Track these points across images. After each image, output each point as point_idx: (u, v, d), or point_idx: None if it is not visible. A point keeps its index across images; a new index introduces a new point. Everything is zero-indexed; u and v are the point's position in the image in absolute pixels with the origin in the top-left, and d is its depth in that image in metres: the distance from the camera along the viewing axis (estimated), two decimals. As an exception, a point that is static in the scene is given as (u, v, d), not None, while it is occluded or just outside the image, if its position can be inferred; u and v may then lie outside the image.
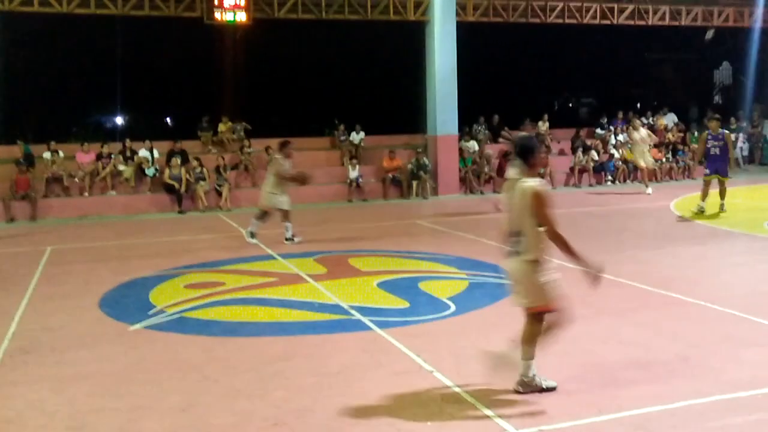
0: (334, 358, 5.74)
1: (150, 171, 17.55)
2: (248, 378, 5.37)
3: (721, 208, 13.47)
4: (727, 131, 14.05)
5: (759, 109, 23.70)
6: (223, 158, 17.77)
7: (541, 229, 4.73)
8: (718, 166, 13.50)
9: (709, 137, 13.64)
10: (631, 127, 18.70)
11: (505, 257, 4.95)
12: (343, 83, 24.13)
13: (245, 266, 9.74)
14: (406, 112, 21.47)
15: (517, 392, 4.83)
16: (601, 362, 5.51)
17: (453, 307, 7.21)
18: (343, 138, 20.26)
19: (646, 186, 17.57)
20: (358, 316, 6.96)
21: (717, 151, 13.44)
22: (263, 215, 11.79)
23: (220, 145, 19.78)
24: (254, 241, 11.53)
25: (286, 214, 11.57)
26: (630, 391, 4.87)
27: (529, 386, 4.84)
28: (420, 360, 5.59)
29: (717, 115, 14.63)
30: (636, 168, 19.54)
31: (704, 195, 13.38)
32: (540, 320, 4.86)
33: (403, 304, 7.40)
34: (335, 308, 7.31)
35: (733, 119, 22.49)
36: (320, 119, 21.68)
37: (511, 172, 5.06)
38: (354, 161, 18.73)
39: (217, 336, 6.52)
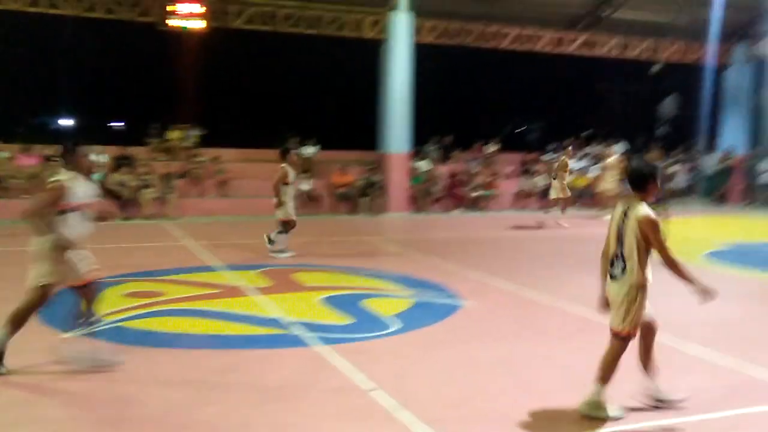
0: (273, 374, 5.67)
1: (96, 176, 17.16)
2: (184, 390, 5.26)
3: None
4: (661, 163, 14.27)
5: (700, 142, 24.45)
6: (171, 166, 17.51)
7: (652, 254, 4.83)
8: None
9: None
10: (604, 155, 19.05)
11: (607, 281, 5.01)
12: (297, 96, 24.09)
13: (187, 276, 9.58)
14: (359, 129, 21.54)
15: (587, 415, 4.83)
16: (539, 383, 5.57)
17: (396, 325, 7.21)
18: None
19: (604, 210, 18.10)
20: (299, 331, 6.90)
21: None
22: (287, 227, 11.57)
23: (169, 152, 19.50)
24: (290, 253, 11.41)
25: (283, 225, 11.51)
26: (566, 415, 4.92)
27: (599, 410, 4.84)
28: (360, 377, 5.56)
29: (658, 146, 15.03)
30: (581, 194, 19.99)
31: None
32: (626, 344, 4.93)
33: (347, 321, 7.37)
34: (277, 323, 7.23)
35: (676, 151, 23.15)
36: (273, 131, 21.56)
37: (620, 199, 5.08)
38: (306, 174, 18.66)
39: (154, 347, 6.38)
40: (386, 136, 19.09)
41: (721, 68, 23.26)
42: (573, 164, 21.69)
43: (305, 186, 18.33)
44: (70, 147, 6.00)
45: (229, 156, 19.54)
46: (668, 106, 27.79)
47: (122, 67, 24.91)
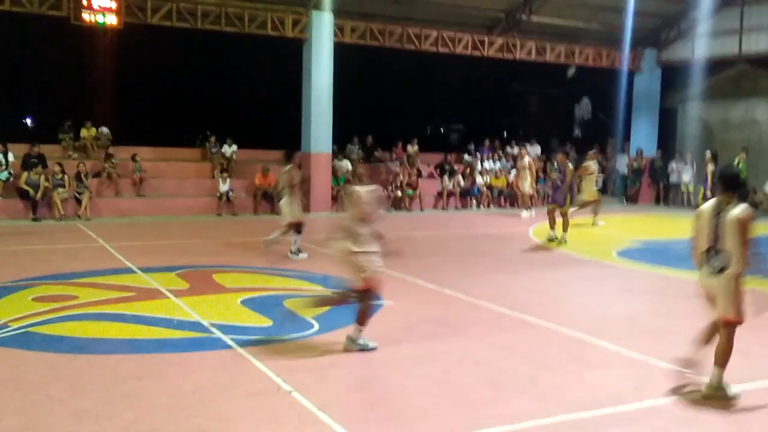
0: (190, 378, 5.58)
1: (2, 175, 16.46)
2: (96, 398, 5.11)
3: (560, 239, 13.74)
4: (570, 164, 14.43)
5: (613, 143, 25.38)
6: (85, 165, 16.94)
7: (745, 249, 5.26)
8: (557, 196, 14.07)
9: (556, 169, 14.41)
10: (519, 155, 19.51)
11: (703, 274, 5.48)
12: (217, 95, 23.70)
13: (101, 279, 9.30)
14: (280, 128, 21.37)
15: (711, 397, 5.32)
16: (456, 381, 5.67)
17: (316, 326, 7.20)
18: (214, 150, 19.87)
19: (528, 209, 18.54)
20: (218, 334, 6.81)
21: (559, 182, 14.12)
22: (298, 228, 11.56)
23: (83, 150, 18.88)
24: (303, 255, 11.43)
25: (290, 227, 11.52)
26: (482, 411, 5.03)
27: (722, 391, 5.31)
28: (280, 379, 5.53)
29: (564, 148, 15.50)
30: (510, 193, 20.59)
31: (551, 224, 13.93)
32: (735, 329, 5.39)
33: (266, 323, 7.31)
34: (195, 326, 7.11)
35: (591, 152, 23.93)
36: (191, 130, 21.15)
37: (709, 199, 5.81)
38: (225, 174, 18.40)
39: (65, 353, 6.17)
40: (308, 135, 19.01)
41: (632, 73, 24.17)
42: (490, 165, 22.31)
43: (224, 186, 18.08)
44: None
45: (145, 155, 19.05)
46: (582, 108, 28.72)
47: (33, 62, 23.93)
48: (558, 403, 5.23)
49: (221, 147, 19.75)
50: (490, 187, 21.77)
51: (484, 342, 6.85)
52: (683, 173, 22.51)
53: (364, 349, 6.34)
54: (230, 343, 6.51)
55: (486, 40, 21.92)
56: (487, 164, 22.42)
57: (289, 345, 6.58)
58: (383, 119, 23.96)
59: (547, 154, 24.44)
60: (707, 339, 5.64)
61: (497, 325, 7.58)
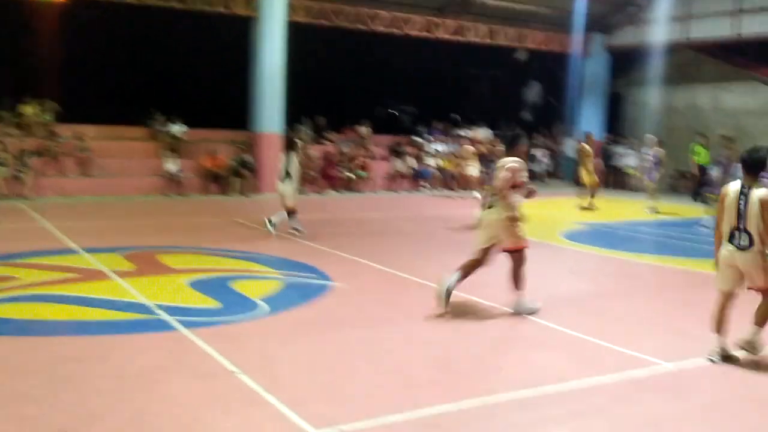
0: (134, 360, 5.49)
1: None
2: (37, 381, 4.99)
3: None
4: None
5: (562, 127, 25.73)
6: (27, 142, 16.44)
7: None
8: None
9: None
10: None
11: (729, 251, 5.86)
12: (165, 73, 23.15)
13: (43, 260, 9.08)
14: (230, 107, 20.97)
15: (743, 349, 5.92)
16: (403, 362, 5.71)
17: (265, 308, 7.16)
18: (161, 129, 19.49)
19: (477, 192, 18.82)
20: (164, 315, 6.71)
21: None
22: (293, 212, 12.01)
23: (24, 128, 18.31)
24: (273, 231, 11.77)
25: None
26: (427, 390, 5.08)
27: (753, 348, 5.89)
28: (227, 362, 5.48)
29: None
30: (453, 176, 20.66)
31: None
32: None
33: (214, 304, 7.24)
34: (140, 307, 7.00)
35: (540, 136, 24.28)
36: (138, 108, 20.64)
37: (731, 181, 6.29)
38: (174, 154, 18.07)
39: (5, 335, 6.01)
40: (258, 115, 18.80)
41: (581, 57, 24.47)
42: (440, 147, 22.40)
43: (172, 166, 17.77)
44: None
45: (90, 133, 18.56)
46: (532, 92, 28.99)
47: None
48: (503, 382, 5.32)
49: (169, 126, 19.37)
50: (441, 170, 21.88)
51: (433, 323, 6.90)
52: (627, 157, 22.97)
53: (533, 312, 7.11)
54: (176, 325, 6.43)
55: (437, 22, 21.94)
56: (438, 147, 22.52)
57: (237, 326, 6.53)
58: (335, 100, 23.76)
59: (497, 137, 24.65)
60: (723, 313, 6.01)
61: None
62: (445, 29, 22.13)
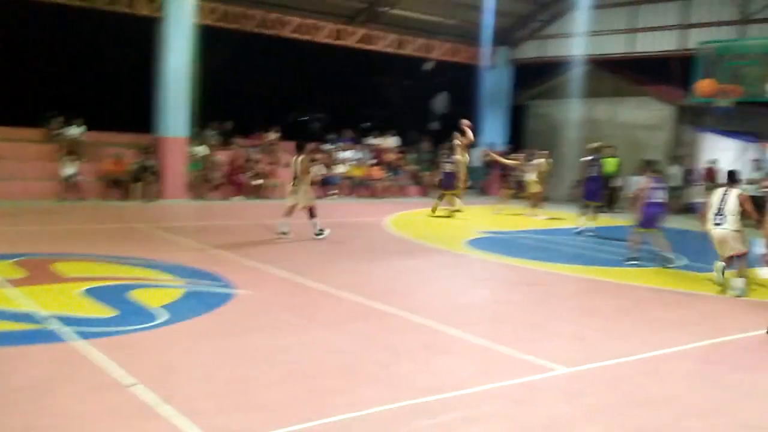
0: (22, 372, 5.23)
1: None
2: None
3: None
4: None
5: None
6: None
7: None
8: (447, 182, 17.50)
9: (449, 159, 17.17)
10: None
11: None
12: (65, 73, 22.25)
13: (-76, 268, 8.53)
14: (134, 110, 20.36)
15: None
16: (307, 371, 5.67)
17: (164, 317, 6.96)
18: (59, 131, 18.68)
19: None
20: (56, 326, 6.42)
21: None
22: (312, 211, 12.73)
23: None
24: (327, 232, 12.73)
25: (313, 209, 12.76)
26: (331, 399, 5.07)
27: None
28: (121, 373, 5.30)
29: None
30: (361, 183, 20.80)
31: (435, 208, 16.99)
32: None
33: (111, 313, 6.98)
34: (30, 318, 6.66)
35: (446, 145, 24.67)
36: (33, 109, 19.72)
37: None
38: (71, 157, 17.35)
39: None
40: (163, 119, 18.33)
41: (486, 69, 25.09)
42: (351, 155, 22.50)
43: (70, 169, 17.07)
44: None
45: (-19, 134, 17.62)
46: (440, 102, 29.53)
47: None
48: (406, 389, 5.36)
49: (67, 128, 18.59)
50: (349, 177, 21.94)
51: (338, 330, 6.90)
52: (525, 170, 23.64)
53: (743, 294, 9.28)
54: (70, 335, 6.17)
55: (346, 30, 22.03)
56: (348, 154, 22.57)
57: (135, 336, 6.33)
58: (245, 105, 23.46)
59: (405, 147, 24.94)
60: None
61: (352, 313, 7.66)
62: (354, 37, 22.26)
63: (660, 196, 11.62)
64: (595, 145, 15.99)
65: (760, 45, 18.35)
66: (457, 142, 18.06)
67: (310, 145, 13.50)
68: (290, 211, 12.63)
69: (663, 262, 11.61)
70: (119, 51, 20.80)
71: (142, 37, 18.67)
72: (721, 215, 9.50)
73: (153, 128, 18.64)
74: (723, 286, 9.64)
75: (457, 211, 17.59)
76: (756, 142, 20.94)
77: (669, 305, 8.97)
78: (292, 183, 12.80)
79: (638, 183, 12.90)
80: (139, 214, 15.28)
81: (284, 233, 12.46)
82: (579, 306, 8.77)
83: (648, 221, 11.60)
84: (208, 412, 4.68)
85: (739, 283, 9.46)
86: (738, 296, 9.36)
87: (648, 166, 12.02)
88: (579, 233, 15.10)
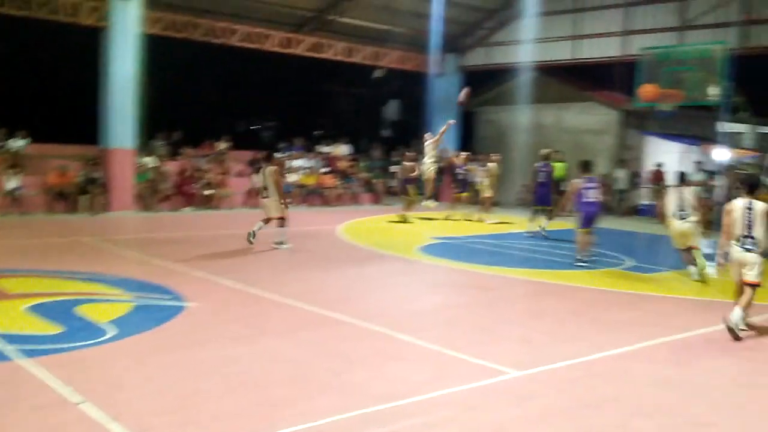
0: (-37, 394, 5.08)
1: None
2: None
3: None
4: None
5: (419, 145, 26.40)
6: None
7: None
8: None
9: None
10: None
11: (738, 252, 7.63)
12: (5, 84, 21.73)
13: None
14: (80, 121, 19.93)
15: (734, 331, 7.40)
16: (259, 381, 5.63)
17: (113, 332, 6.83)
18: (1, 144, 18.17)
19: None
20: (0, 344, 6.25)
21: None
22: (281, 222, 12.89)
23: None
24: (288, 245, 12.71)
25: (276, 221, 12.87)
26: (283, 410, 5.03)
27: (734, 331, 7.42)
28: (68, 391, 5.18)
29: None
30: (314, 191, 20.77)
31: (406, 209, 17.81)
32: (755, 290, 7.59)
33: (56, 330, 6.82)
34: (-29, 336, 6.47)
35: (397, 152, 24.79)
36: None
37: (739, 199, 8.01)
38: (14, 170, 16.89)
39: None
40: (108, 130, 17.99)
41: (436, 76, 25.29)
42: (303, 163, 22.43)
43: (13, 183, 16.62)
44: None
45: None
46: (391, 109, 29.67)
47: None
48: (359, 397, 5.35)
49: (10, 140, 18.10)
50: (301, 185, 21.85)
51: (290, 340, 6.86)
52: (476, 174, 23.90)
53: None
54: (12, 353, 6.00)
55: (295, 38, 22.00)
56: (299, 162, 22.49)
57: (81, 353, 6.19)
58: (192, 115, 23.19)
59: (356, 155, 24.97)
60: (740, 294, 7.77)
61: (304, 322, 7.62)
62: (303, 46, 22.23)
63: (593, 195, 11.89)
64: (546, 151, 16.39)
65: (697, 51, 18.88)
66: (428, 142, 18.39)
67: (278, 157, 13.56)
68: (267, 222, 12.88)
69: (576, 261, 11.89)
70: (63, 61, 20.39)
71: (86, 47, 18.32)
72: (684, 211, 10.52)
73: (99, 139, 18.29)
74: (703, 276, 10.50)
75: (405, 221, 17.80)
76: (698, 145, 21.53)
77: (618, 306, 9.15)
78: (261, 195, 13.01)
79: (571, 183, 13.17)
80: (86, 228, 14.95)
81: (280, 243, 12.77)
82: (528, 309, 8.88)
83: (587, 221, 11.87)
84: (158, 428, 4.61)
85: (696, 270, 10.65)
86: (698, 281, 10.48)
87: (584, 167, 12.30)
88: (531, 237, 15.32)
